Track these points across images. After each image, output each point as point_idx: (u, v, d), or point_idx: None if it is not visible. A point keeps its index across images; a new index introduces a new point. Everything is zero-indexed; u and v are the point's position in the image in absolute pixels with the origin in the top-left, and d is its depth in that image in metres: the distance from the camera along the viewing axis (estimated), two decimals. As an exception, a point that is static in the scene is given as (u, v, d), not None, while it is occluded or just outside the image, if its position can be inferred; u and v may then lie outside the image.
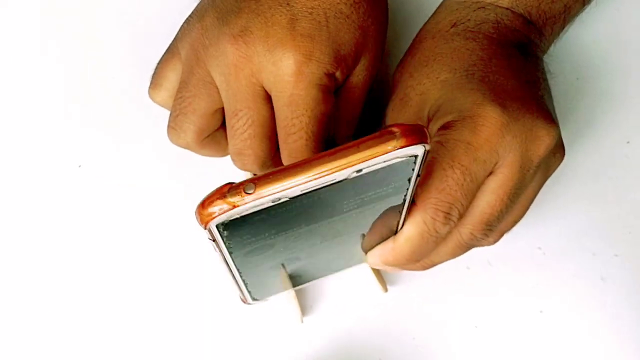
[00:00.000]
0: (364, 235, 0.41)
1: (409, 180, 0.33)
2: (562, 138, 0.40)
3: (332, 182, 0.29)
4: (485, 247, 0.45)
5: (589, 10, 0.50)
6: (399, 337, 0.44)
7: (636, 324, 0.44)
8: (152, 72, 0.43)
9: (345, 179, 0.30)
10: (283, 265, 0.38)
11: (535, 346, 0.44)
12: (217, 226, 0.30)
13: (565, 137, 0.48)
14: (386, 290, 0.44)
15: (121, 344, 0.44)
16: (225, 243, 0.32)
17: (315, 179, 0.29)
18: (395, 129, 0.29)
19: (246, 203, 0.29)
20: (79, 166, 0.47)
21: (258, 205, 0.29)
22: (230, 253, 0.33)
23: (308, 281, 0.43)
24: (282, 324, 0.44)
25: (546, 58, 0.48)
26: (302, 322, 0.44)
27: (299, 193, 0.29)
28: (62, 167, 0.47)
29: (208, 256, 0.37)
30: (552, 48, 0.45)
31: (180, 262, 0.45)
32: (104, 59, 0.49)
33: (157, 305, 0.45)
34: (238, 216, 0.30)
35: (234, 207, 0.29)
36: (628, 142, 0.47)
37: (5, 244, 0.46)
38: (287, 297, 0.44)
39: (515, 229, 0.46)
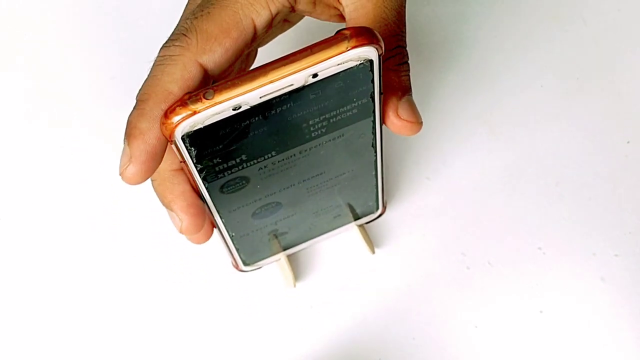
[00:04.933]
0: (343, 205, 0.41)
1: (372, 98, 0.33)
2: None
3: (289, 87, 0.30)
4: (486, 247, 0.45)
5: (589, 10, 0.50)
6: (399, 337, 0.44)
7: (636, 324, 0.44)
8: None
9: (304, 87, 0.31)
10: (265, 211, 0.38)
11: (535, 346, 0.44)
12: (182, 139, 0.31)
13: (565, 137, 0.48)
14: (374, 252, 0.44)
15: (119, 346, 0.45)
16: (195, 165, 0.32)
17: (272, 82, 0.30)
18: (346, 32, 0.30)
19: (207, 108, 0.30)
20: None
21: (219, 113, 0.30)
22: (205, 186, 0.34)
23: (298, 244, 0.44)
24: (280, 325, 0.44)
25: (546, 58, 0.48)
26: (294, 286, 0.44)
27: (259, 100, 0.30)
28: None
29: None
30: (552, 48, 0.45)
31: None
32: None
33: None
34: (201, 126, 0.30)
35: (195, 113, 0.30)
36: (628, 142, 0.47)
37: None
38: (278, 263, 0.44)
39: (515, 229, 0.46)
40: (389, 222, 0.45)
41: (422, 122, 0.36)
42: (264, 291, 0.45)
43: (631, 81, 0.49)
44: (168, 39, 0.35)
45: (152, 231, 0.46)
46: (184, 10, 0.38)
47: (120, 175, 0.34)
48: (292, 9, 0.36)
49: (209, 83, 0.34)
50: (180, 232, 0.37)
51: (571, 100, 0.48)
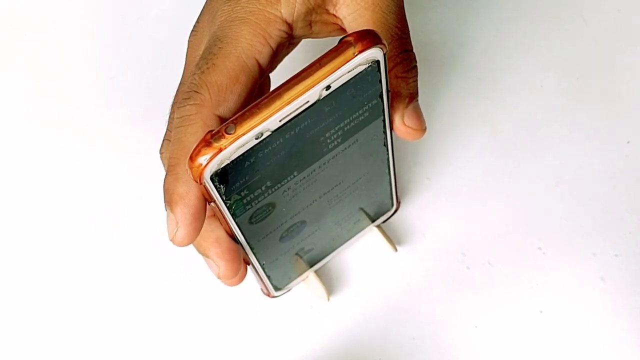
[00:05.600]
0: (361, 209, 0.41)
1: (381, 97, 0.33)
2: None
3: (306, 104, 0.30)
4: (486, 247, 0.45)
5: (589, 10, 0.50)
6: (399, 337, 0.44)
7: (636, 324, 0.44)
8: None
9: (318, 101, 0.31)
10: (291, 232, 0.38)
11: (535, 346, 0.44)
12: (211, 179, 0.31)
13: (565, 137, 0.48)
14: (396, 249, 0.44)
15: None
16: (225, 202, 0.32)
17: (289, 103, 0.30)
18: (349, 38, 0.31)
19: (231, 143, 0.30)
20: None
21: (243, 145, 0.30)
22: (234, 219, 0.34)
23: (323, 258, 0.43)
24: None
25: (546, 58, 0.48)
26: (328, 300, 0.44)
27: (279, 124, 0.30)
28: None
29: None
30: (552, 48, 0.45)
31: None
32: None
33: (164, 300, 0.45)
34: (228, 162, 0.30)
35: (220, 150, 0.30)
36: (628, 142, 0.47)
37: None
38: (307, 280, 0.44)
39: (515, 229, 0.46)
40: (389, 222, 0.45)
41: (425, 129, 0.36)
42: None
43: (631, 81, 0.49)
44: (180, 98, 0.35)
45: (152, 231, 0.46)
46: (186, 59, 0.39)
47: (171, 240, 0.34)
48: (291, 37, 0.37)
49: None
50: (218, 277, 0.37)
51: (571, 100, 0.48)
